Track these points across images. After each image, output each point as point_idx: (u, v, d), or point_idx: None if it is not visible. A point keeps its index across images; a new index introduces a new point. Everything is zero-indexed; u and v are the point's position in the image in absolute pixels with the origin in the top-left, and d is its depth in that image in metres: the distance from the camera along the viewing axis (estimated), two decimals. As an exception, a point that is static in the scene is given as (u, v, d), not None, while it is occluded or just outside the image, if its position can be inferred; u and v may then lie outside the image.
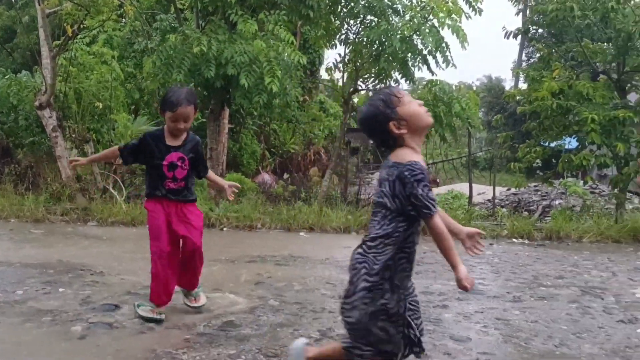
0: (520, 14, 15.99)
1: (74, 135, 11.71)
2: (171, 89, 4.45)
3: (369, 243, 2.71)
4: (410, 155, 2.66)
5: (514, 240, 9.77)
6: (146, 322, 4.23)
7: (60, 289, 5.15)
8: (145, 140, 4.39)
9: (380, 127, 2.73)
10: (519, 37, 13.47)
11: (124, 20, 15.72)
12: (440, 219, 2.65)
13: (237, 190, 4.70)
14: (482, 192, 16.31)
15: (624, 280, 6.54)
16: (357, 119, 2.95)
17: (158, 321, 4.27)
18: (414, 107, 2.73)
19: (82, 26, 12.16)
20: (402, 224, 2.69)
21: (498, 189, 13.96)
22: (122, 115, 12.62)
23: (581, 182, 13.76)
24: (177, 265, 4.46)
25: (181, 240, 4.45)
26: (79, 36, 12.92)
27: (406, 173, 2.57)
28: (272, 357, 3.62)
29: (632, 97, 12.08)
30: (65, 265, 6.23)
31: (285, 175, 16.47)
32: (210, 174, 4.70)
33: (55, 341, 3.83)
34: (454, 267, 2.60)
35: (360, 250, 2.74)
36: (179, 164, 4.33)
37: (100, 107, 12.18)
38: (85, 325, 4.14)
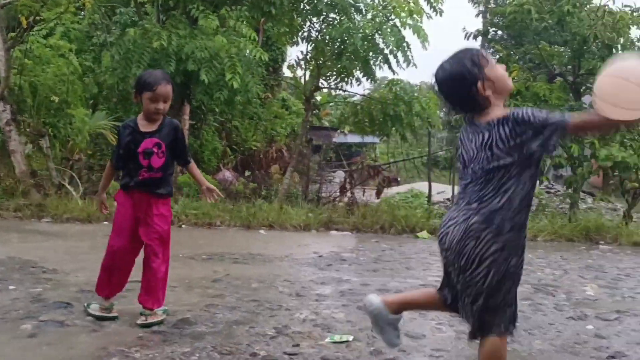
0: (481, 15, 16.26)
1: (28, 130, 11.43)
2: (145, 72, 4.32)
3: (487, 208, 2.52)
4: (503, 110, 2.57)
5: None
6: (100, 321, 4.14)
7: (11, 287, 5.03)
8: (120, 136, 4.23)
9: (466, 88, 2.57)
10: (479, 38, 13.66)
11: (82, 13, 15.41)
12: None
13: (217, 198, 4.45)
14: (442, 191, 16.49)
15: (576, 278, 6.70)
16: (437, 78, 2.69)
17: (112, 319, 4.17)
18: (500, 70, 2.65)
19: (38, 18, 11.88)
20: (526, 176, 2.53)
21: (457, 188, 14.12)
22: (79, 109, 12.36)
23: (537, 182, 14.03)
24: (132, 264, 4.32)
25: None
26: (35, 28, 12.62)
27: (519, 114, 2.47)
28: (226, 355, 3.60)
29: (586, 99, 12.36)
30: (17, 262, 6.08)
31: (247, 173, 16.38)
32: (194, 166, 4.39)
33: (4, 340, 3.73)
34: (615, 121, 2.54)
35: (476, 217, 2.53)
36: (154, 150, 4.07)
37: (57, 101, 11.90)
38: (36, 324, 4.05)
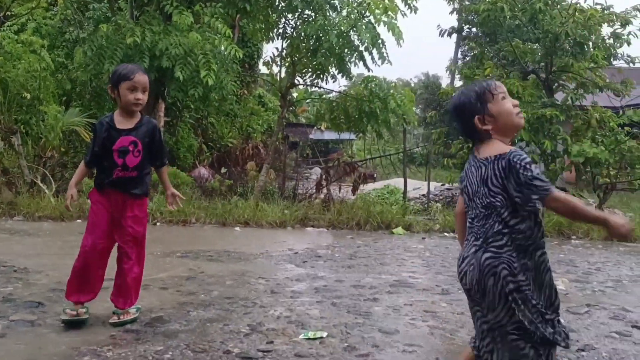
0: (455, 12, 16.41)
1: None
2: (119, 66, 4.20)
3: (493, 245, 2.49)
4: (503, 147, 2.56)
5: (446, 234, 9.98)
6: (68, 326, 3.99)
7: (-19, 286, 4.96)
8: (95, 132, 4.10)
9: (466, 119, 2.65)
10: (454, 35, 13.76)
11: (55, 8, 15.21)
12: None
13: (180, 204, 4.32)
14: (418, 187, 16.58)
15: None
16: (449, 105, 2.84)
17: (79, 323, 3.98)
18: (506, 105, 2.61)
19: (9, 13, 11.70)
20: (523, 225, 2.48)
21: (433, 184, 14.22)
22: (52, 106, 12.20)
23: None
24: (105, 266, 4.16)
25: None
26: (6, 24, 12.43)
27: (515, 159, 2.44)
28: (200, 353, 3.59)
29: (559, 96, 12.53)
30: (-12, 262, 6.00)
31: (223, 170, 16.32)
32: (164, 170, 4.26)
33: (-28, 340, 3.68)
34: (601, 220, 2.39)
35: (486, 254, 2.49)
36: (130, 148, 3.95)
37: (29, 97, 11.74)
38: (6, 324, 4.00)
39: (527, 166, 2.40)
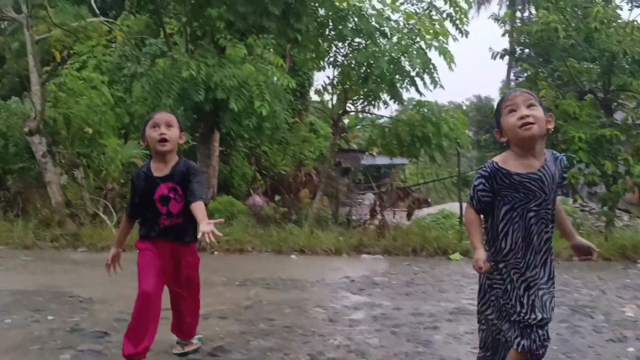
0: (507, 35, 16.27)
1: (63, 161, 11.69)
2: None
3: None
4: (500, 157, 2.90)
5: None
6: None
7: (49, 317, 5.12)
8: (133, 185, 3.94)
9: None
10: (506, 57, 13.62)
11: (113, 45, 15.79)
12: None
13: (213, 239, 3.39)
14: (473, 211, 16.31)
15: (613, 298, 6.57)
16: None
17: None
18: (509, 120, 2.82)
19: (71, 52, 12.21)
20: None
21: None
22: (111, 139, 12.63)
23: (570, 201, 13.82)
24: (160, 311, 3.94)
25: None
26: (68, 62, 12.97)
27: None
28: (261, 383, 3.61)
29: (618, 115, 12.20)
30: (54, 293, 6.19)
31: (277, 197, 16.46)
32: (198, 205, 3.63)
33: (43, 370, 3.80)
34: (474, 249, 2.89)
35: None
36: (171, 195, 3.76)
37: (90, 132, 12.18)
38: (74, 354, 4.11)
39: (474, 181, 2.92)
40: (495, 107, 2.97)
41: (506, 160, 2.84)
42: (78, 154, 12.07)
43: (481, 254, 2.83)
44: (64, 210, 10.90)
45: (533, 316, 2.80)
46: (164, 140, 3.73)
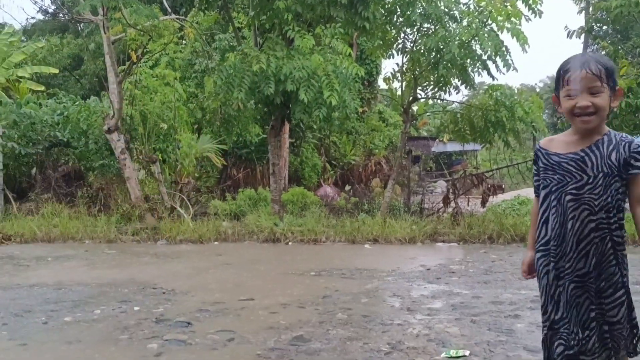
0: (583, 12, 15.62)
1: (141, 157, 12.08)
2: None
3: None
4: (550, 137, 2.69)
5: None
6: (219, 340, 4.26)
7: (135, 308, 5.31)
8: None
9: None
10: (583, 35, 13.11)
11: (184, 42, 16.15)
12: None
13: None
14: (550, 196, 15.85)
15: None
16: None
17: None
18: (566, 104, 2.49)
19: (145, 50, 12.56)
20: None
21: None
22: (186, 134, 12.95)
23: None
24: None
25: None
26: (142, 60, 13.35)
27: None
28: (343, 372, 3.62)
29: None
30: (139, 284, 6.41)
31: (347, 187, 16.49)
32: None
33: (133, 359, 3.94)
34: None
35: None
36: None
37: (165, 127, 12.53)
38: (161, 343, 4.25)
39: None
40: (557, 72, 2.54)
41: (553, 139, 2.62)
42: (154, 150, 12.44)
43: (527, 256, 2.74)
44: (143, 204, 11.27)
45: (555, 317, 2.54)
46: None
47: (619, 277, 2.47)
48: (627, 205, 2.46)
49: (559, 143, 2.58)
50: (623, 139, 2.44)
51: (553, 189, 2.53)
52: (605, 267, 2.46)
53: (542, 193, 2.58)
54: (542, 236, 2.59)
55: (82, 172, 13.76)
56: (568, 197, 2.48)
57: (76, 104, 12.97)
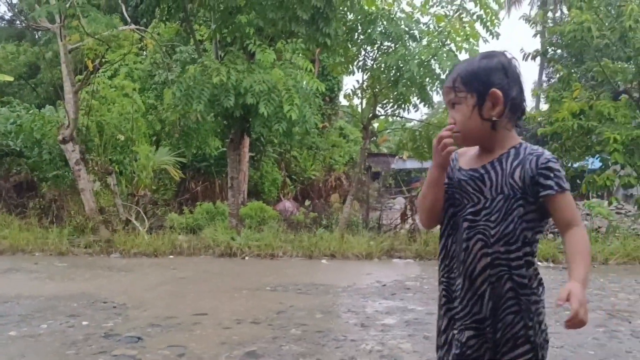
0: (538, 35, 16.03)
1: (96, 168, 11.85)
2: None
3: None
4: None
5: (539, 263, 9.59)
6: (170, 355, 4.18)
7: (84, 322, 5.17)
8: None
9: None
10: (538, 58, 13.43)
11: (144, 53, 15.98)
12: None
13: None
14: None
15: (653, 302, 6.41)
16: None
17: None
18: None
19: (103, 60, 12.38)
20: None
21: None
22: (143, 146, 12.77)
23: (606, 203, 13.56)
24: None
25: None
26: (100, 70, 13.15)
27: None
28: (294, 388, 3.58)
29: (655, 116, 11.94)
30: (89, 298, 6.26)
31: (307, 202, 16.48)
32: None
33: (78, 375, 3.83)
34: None
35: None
36: None
37: (122, 139, 12.34)
38: (109, 358, 4.14)
39: None
40: None
41: (469, 150, 2.11)
42: (110, 161, 12.23)
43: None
44: (97, 217, 11.04)
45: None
46: None
47: (522, 329, 1.94)
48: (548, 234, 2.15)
49: (468, 156, 2.10)
50: (532, 152, 1.95)
51: (455, 211, 2.05)
52: (502, 314, 1.96)
53: (448, 213, 2.07)
54: (440, 263, 2.14)
55: (35, 182, 13.43)
56: (465, 225, 2.00)
57: (30, 112, 12.65)
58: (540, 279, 2.02)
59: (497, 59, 2.01)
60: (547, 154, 1.94)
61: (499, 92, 1.94)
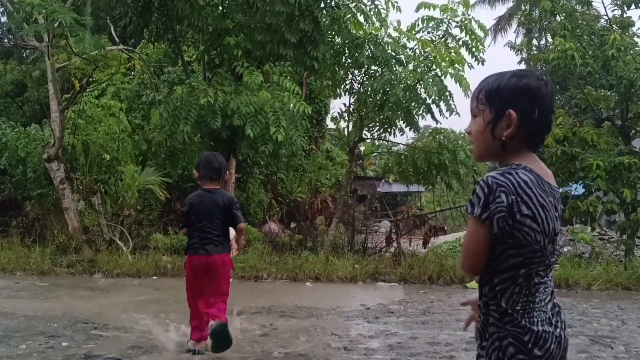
0: (523, 62, 16.30)
1: (81, 187, 11.78)
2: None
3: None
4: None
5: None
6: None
7: (64, 343, 5.11)
8: None
9: None
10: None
11: (132, 73, 16.00)
12: None
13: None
14: (491, 239, 16.14)
15: (634, 328, 6.44)
16: None
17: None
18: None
19: (91, 80, 12.37)
20: None
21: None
22: (129, 166, 12.71)
23: (589, 229, 13.66)
24: None
25: None
26: (88, 89, 13.14)
27: None
28: (275, 412, 3.55)
29: (637, 142, 12.09)
30: (70, 319, 6.19)
31: (293, 224, 16.43)
32: None
33: (56, 397, 3.78)
34: None
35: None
36: None
37: (108, 158, 12.28)
38: (87, 380, 4.09)
39: None
40: None
41: None
42: (95, 181, 12.15)
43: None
44: (81, 236, 10.95)
45: None
46: None
47: None
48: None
49: None
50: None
51: None
52: None
53: None
54: None
55: (19, 201, 13.31)
56: None
57: (15, 130, 12.58)
58: None
59: (526, 80, 1.91)
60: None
61: (515, 115, 1.86)
